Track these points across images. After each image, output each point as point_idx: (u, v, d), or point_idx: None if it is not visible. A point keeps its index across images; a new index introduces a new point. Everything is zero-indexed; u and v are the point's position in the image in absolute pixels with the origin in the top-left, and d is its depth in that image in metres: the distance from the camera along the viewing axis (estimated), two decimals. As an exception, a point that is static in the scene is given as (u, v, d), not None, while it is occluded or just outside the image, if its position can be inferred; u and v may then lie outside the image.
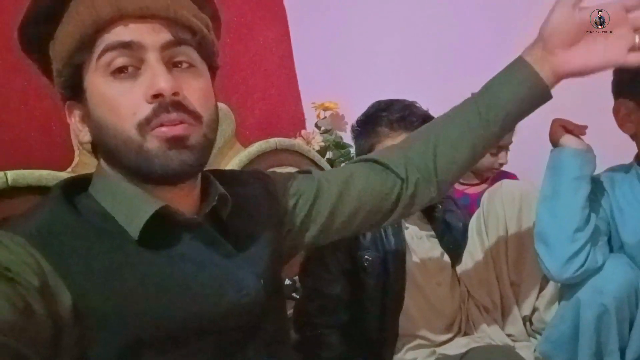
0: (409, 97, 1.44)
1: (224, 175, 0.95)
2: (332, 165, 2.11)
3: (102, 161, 0.82)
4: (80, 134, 0.80)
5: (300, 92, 2.60)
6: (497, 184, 1.46)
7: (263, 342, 0.86)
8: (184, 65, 0.78)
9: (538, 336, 1.40)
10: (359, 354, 1.32)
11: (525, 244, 1.36)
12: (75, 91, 0.78)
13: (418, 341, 1.38)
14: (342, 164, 2.27)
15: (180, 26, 0.78)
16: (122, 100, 0.74)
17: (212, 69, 0.86)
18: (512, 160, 1.93)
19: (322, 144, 2.20)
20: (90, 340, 0.69)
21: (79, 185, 0.82)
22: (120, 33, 0.74)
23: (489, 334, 1.40)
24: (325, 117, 2.33)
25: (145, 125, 0.73)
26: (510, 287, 1.42)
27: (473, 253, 1.47)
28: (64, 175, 1.12)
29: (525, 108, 1.03)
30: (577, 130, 1.23)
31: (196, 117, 0.77)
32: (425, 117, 1.39)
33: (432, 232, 1.48)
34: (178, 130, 0.74)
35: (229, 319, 0.80)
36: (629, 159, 1.27)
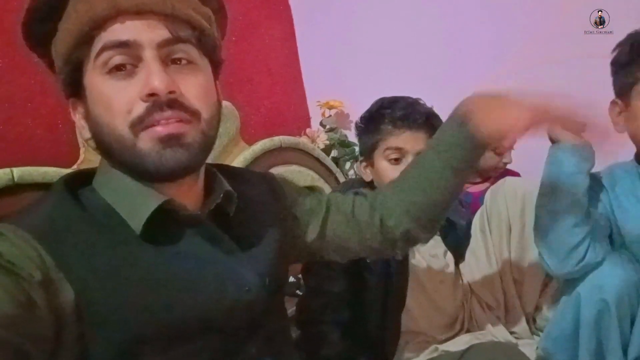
0: (414, 95, 1.44)
1: (231, 172, 0.95)
2: (337, 164, 2.11)
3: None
4: (83, 130, 0.80)
5: (305, 90, 2.59)
6: (500, 181, 1.46)
7: (265, 340, 0.85)
8: (183, 61, 0.77)
9: (541, 334, 1.40)
10: (360, 351, 1.32)
11: (528, 242, 1.36)
12: (76, 88, 0.78)
13: (420, 339, 1.38)
14: (347, 163, 2.28)
15: (178, 22, 0.77)
16: (117, 99, 0.73)
17: (215, 64, 0.85)
18: (515, 159, 1.92)
19: (327, 142, 2.20)
20: (91, 336, 0.69)
21: (83, 179, 0.82)
22: (117, 31, 0.73)
23: (492, 332, 1.40)
24: (330, 116, 2.33)
25: (137, 124, 0.73)
26: (514, 285, 1.43)
27: (476, 251, 1.47)
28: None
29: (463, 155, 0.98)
30: (575, 127, 1.24)
31: (194, 114, 0.76)
32: (429, 115, 1.39)
33: (436, 230, 1.48)
34: (172, 128, 0.74)
35: (230, 316, 0.80)
36: (629, 157, 1.28)
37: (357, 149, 2.16)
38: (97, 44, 0.74)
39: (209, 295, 0.78)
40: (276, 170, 1.71)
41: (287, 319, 1.01)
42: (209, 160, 0.86)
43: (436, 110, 1.44)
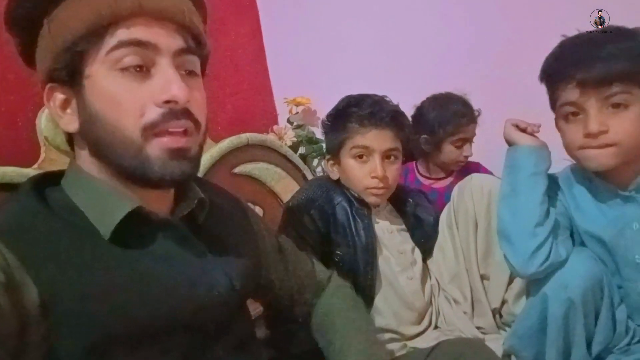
0: (381, 92, 1.44)
1: (202, 182, 0.96)
2: (304, 161, 2.11)
3: (79, 155, 0.81)
4: (61, 120, 0.79)
5: (272, 87, 2.58)
6: (467, 178, 1.47)
7: (232, 341, 0.86)
8: (191, 72, 0.80)
9: (507, 328, 1.42)
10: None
11: (494, 238, 1.37)
12: (69, 75, 0.76)
13: (389, 335, 1.38)
14: (315, 160, 2.28)
15: (191, 34, 0.79)
16: (128, 99, 0.73)
17: (204, 74, 0.88)
18: (478, 154, 1.95)
19: (295, 139, 2.19)
20: (58, 335, 0.68)
21: (52, 180, 0.81)
22: (137, 31, 0.73)
23: (459, 327, 1.41)
24: (298, 113, 2.32)
25: (150, 129, 0.73)
26: (480, 280, 1.44)
27: (443, 247, 1.49)
28: (30, 171, 1.10)
29: None
30: (530, 129, 1.26)
31: (197, 125, 0.78)
32: (396, 113, 1.39)
33: (404, 226, 1.49)
34: (182, 142, 0.75)
35: (200, 316, 0.80)
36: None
37: (324, 146, 2.16)
38: (112, 39, 0.73)
39: (178, 296, 0.78)
40: (243, 168, 1.70)
41: (251, 322, 1.01)
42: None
43: (402, 108, 1.45)
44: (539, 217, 1.18)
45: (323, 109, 1.51)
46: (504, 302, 1.44)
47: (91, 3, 0.72)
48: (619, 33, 1.13)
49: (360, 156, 1.37)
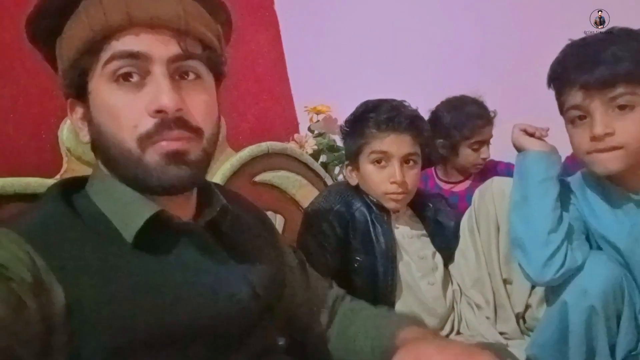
0: (401, 98, 1.43)
1: (226, 192, 0.96)
2: (325, 169, 2.11)
3: (100, 165, 0.82)
4: (81, 132, 0.81)
5: (293, 96, 2.59)
6: (488, 181, 1.45)
7: (254, 349, 0.85)
8: (191, 76, 0.79)
9: (531, 334, 1.39)
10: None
11: (516, 242, 1.35)
12: (79, 91, 0.78)
13: (411, 341, 1.37)
14: (336, 168, 2.27)
15: (190, 38, 0.78)
16: (124, 111, 0.74)
17: (219, 78, 0.86)
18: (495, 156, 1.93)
19: (315, 147, 2.20)
20: (80, 339, 0.69)
21: (78, 185, 0.83)
22: (128, 42, 0.74)
23: (482, 333, 1.39)
24: (318, 121, 2.33)
25: (145, 140, 0.74)
26: (503, 285, 1.42)
27: (465, 251, 1.47)
28: (53, 182, 1.12)
29: None
30: (538, 133, 1.24)
31: (197, 132, 0.77)
32: (414, 117, 1.39)
33: (424, 232, 1.48)
34: (178, 145, 0.75)
35: (220, 324, 0.80)
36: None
37: (345, 153, 2.16)
38: (107, 52, 0.74)
39: (199, 303, 0.78)
40: (264, 176, 1.70)
41: (275, 331, 0.97)
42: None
43: (422, 112, 1.44)
44: (551, 223, 1.16)
45: (344, 117, 1.51)
46: (527, 307, 1.41)
47: (86, 20, 0.74)
48: (624, 34, 1.11)
49: (379, 161, 1.37)
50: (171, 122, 0.74)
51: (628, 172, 1.12)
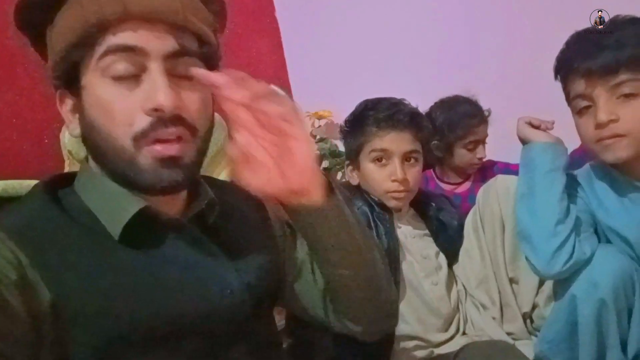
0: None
1: (215, 183, 0.94)
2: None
3: (90, 159, 0.81)
4: (71, 125, 0.79)
5: (294, 101, 2.60)
6: (492, 179, 1.44)
7: (251, 347, 0.84)
8: (187, 72, 0.76)
9: (538, 333, 1.37)
10: (353, 357, 1.30)
11: (522, 239, 1.33)
12: (69, 82, 0.76)
13: (415, 342, 1.35)
14: (339, 173, 2.27)
15: (187, 34, 0.76)
16: (119, 107, 0.72)
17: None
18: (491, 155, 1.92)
19: (317, 152, 2.19)
20: (69, 337, 0.68)
21: (64, 182, 0.81)
22: (124, 36, 0.72)
23: (488, 333, 1.37)
24: (320, 126, 2.32)
25: (140, 138, 0.72)
26: (509, 284, 1.40)
27: (469, 250, 1.45)
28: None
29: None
30: (543, 126, 1.23)
31: (193, 131, 0.76)
32: (414, 114, 1.38)
33: (427, 231, 1.47)
34: (173, 150, 0.73)
35: (212, 319, 0.79)
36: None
37: (347, 157, 2.16)
38: (102, 46, 0.72)
39: (191, 298, 0.77)
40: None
41: (276, 333, 0.97)
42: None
43: (421, 110, 1.44)
44: (559, 214, 1.14)
45: (345, 122, 1.50)
46: (534, 306, 1.39)
47: (81, 11, 0.72)
48: (628, 21, 1.11)
49: (380, 159, 1.36)
50: (167, 120, 0.72)
51: (636, 161, 1.11)
